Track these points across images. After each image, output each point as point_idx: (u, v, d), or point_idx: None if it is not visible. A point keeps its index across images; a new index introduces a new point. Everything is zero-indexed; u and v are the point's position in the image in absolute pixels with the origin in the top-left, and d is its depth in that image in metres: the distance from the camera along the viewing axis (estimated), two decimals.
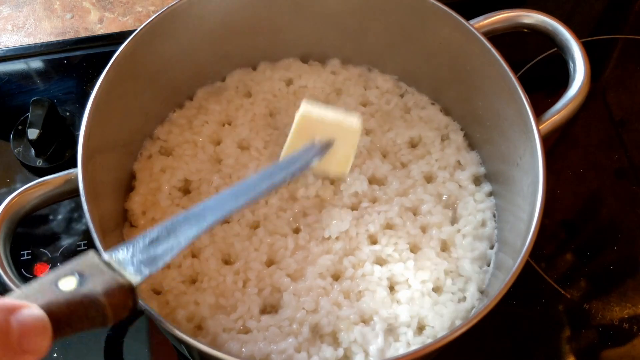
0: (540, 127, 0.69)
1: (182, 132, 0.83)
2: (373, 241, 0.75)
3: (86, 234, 0.84)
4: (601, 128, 0.99)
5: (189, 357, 0.77)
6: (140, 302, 0.57)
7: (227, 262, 0.75)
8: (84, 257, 0.47)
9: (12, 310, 0.39)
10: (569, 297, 0.83)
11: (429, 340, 0.68)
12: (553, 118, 0.73)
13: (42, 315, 0.40)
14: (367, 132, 0.84)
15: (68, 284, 0.43)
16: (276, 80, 0.88)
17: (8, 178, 0.90)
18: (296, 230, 0.76)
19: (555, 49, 0.77)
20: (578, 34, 0.76)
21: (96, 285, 0.44)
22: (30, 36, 1.08)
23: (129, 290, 0.45)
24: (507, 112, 0.74)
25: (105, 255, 0.48)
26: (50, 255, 0.83)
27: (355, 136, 0.71)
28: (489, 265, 0.75)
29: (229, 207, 0.53)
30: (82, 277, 0.44)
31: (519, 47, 1.01)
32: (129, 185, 0.79)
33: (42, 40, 1.07)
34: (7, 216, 0.64)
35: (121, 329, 0.79)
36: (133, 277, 0.46)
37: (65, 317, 0.42)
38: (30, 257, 0.82)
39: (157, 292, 0.72)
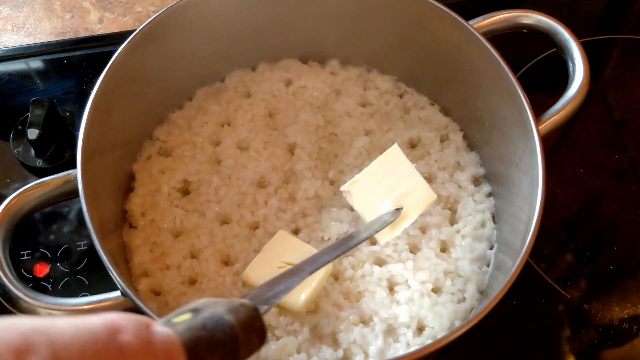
0: (539, 128, 0.69)
1: (181, 133, 0.83)
2: (372, 242, 0.75)
3: (86, 235, 0.84)
4: (601, 128, 0.99)
5: None
6: (140, 303, 0.57)
7: (226, 263, 0.75)
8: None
9: (147, 324, 0.33)
10: (569, 297, 0.83)
11: (429, 341, 0.68)
12: (552, 118, 0.73)
13: (174, 336, 0.34)
14: (366, 132, 0.84)
15: (183, 318, 0.37)
16: (275, 80, 0.88)
17: (8, 178, 0.90)
18: (296, 231, 0.76)
19: (555, 49, 0.77)
20: (577, 34, 0.76)
21: (217, 308, 0.37)
22: (30, 36, 1.08)
23: (255, 310, 0.39)
24: (506, 113, 0.74)
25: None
26: (50, 256, 0.83)
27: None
28: (488, 266, 0.75)
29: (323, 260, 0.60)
30: (196, 311, 0.37)
31: (518, 47, 1.01)
32: (128, 186, 0.79)
33: (42, 40, 1.06)
34: (6, 217, 0.64)
35: None
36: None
37: (192, 342, 0.34)
38: (30, 257, 0.82)
39: (157, 293, 0.72)
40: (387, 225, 0.69)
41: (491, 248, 0.77)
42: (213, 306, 0.37)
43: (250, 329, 0.38)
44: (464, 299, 0.72)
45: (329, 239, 0.75)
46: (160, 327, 0.34)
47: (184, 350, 0.33)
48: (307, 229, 0.76)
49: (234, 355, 0.36)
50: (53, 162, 0.90)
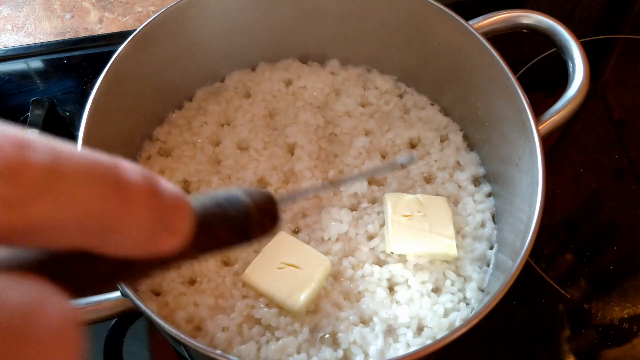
0: (539, 128, 0.69)
1: (181, 133, 0.83)
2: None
3: None
4: (601, 128, 0.99)
5: (188, 358, 0.77)
6: (140, 303, 0.57)
7: (226, 263, 0.75)
8: None
9: (155, 179, 0.30)
10: (568, 297, 0.83)
11: (429, 341, 0.68)
12: (552, 118, 0.73)
13: (183, 193, 0.31)
14: (366, 132, 0.84)
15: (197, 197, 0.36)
16: (275, 80, 0.88)
17: None
18: (296, 231, 0.76)
19: (555, 49, 0.77)
20: (577, 34, 0.76)
21: (233, 191, 0.36)
22: (30, 36, 1.08)
23: (271, 195, 0.38)
24: (506, 113, 0.74)
25: None
26: None
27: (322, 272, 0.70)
28: (488, 266, 0.75)
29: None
30: (212, 196, 0.36)
31: (518, 47, 1.01)
32: None
33: (41, 40, 1.07)
34: None
35: (121, 329, 0.79)
36: None
37: (204, 214, 0.34)
38: None
39: (157, 294, 0.72)
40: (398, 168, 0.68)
41: (491, 248, 0.77)
42: (229, 189, 0.36)
43: (265, 211, 0.37)
44: (464, 299, 0.72)
45: (328, 239, 0.75)
46: (170, 184, 0.31)
47: (193, 213, 0.32)
48: (307, 229, 0.76)
49: (246, 233, 0.36)
50: None
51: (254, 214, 0.36)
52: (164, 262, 0.32)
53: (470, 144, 0.85)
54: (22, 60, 1.02)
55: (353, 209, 0.78)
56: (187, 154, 0.81)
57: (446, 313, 0.71)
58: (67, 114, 0.95)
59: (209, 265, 0.73)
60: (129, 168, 0.28)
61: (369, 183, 0.80)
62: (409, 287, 0.72)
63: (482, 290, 0.73)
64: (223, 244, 0.35)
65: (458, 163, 0.83)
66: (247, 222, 0.35)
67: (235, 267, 0.73)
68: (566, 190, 0.92)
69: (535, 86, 0.98)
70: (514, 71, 0.72)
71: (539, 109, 0.72)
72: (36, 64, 1.02)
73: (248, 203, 0.36)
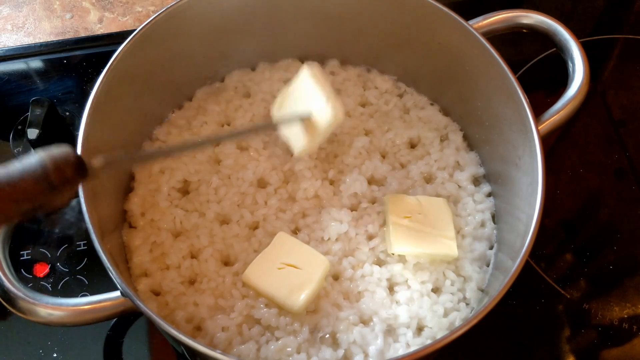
0: (539, 128, 0.69)
1: (181, 133, 0.83)
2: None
3: (86, 235, 0.84)
4: (601, 128, 0.99)
5: (188, 358, 0.77)
6: (140, 303, 0.57)
7: (226, 263, 0.75)
8: None
9: None
10: (568, 297, 0.83)
11: (429, 341, 0.68)
12: (552, 118, 0.73)
13: None
14: (366, 132, 0.84)
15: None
16: (275, 80, 0.88)
17: None
18: (295, 231, 0.76)
19: (555, 49, 0.77)
20: (577, 34, 0.76)
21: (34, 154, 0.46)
22: (30, 36, 1.08)
23: (69, 148, 0.47)
24: (506, 113, 0.74)
25: None
26: (50, 256, 0.83)
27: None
28: (488, 266, 0.75)
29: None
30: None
31: (518, 47, 1.01)
32: (128, 186, 0.79)
33: (41, 40, 1.07)
34: None
35: (121, 329, 0.79)
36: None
37: (4, 171, 0.44)
38: (30, 257, 0.82)
39: (157, 294, 0.72)
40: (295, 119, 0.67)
41: (491, 248, 0.77)
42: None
43: (62, 162, 0.46)
44: (464, 299, 0.72)
45: (328, 238, 0.75)
46: None
47: None
48: (306, 229, 0.76)
49: (47, 180, 0.45)
50: None
51: (48, 164, 0.45)
52: None
53: (470, 144, 0.85)
54: (22, 60, 1.02)
55: (353, 209, 0.78)
56: (187, 153, 0.81)
57: (446, 313, 0.71)
58: (67, 114, 0.95)
59: (208, 266, 0.73)
60: None
61: (369, 183, 0.80)
62: (409, 287, 0.72)
63: (482, 290, 0.73)
64: (33, 195, 0.44)
65: (458, 163, 0.82)
66: (44, 172, 0.45)
67: (235, 267, 0.73)
68: (566, 190, 0.92)
69: (535, 86, 0.98)
70: (514, 71, 0.72)
71: (539, 109, 0.72)
72: (36, 63, 1.02)
73: (43, 157, 0.45)
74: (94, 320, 0.63)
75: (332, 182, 0.80)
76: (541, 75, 1.01)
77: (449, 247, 0.72)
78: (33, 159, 0.45)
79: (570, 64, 0.75)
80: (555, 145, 0.97)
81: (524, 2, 1.14)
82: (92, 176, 0.49)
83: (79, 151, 0.65)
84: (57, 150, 0.46)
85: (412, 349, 0.68)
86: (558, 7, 1.12)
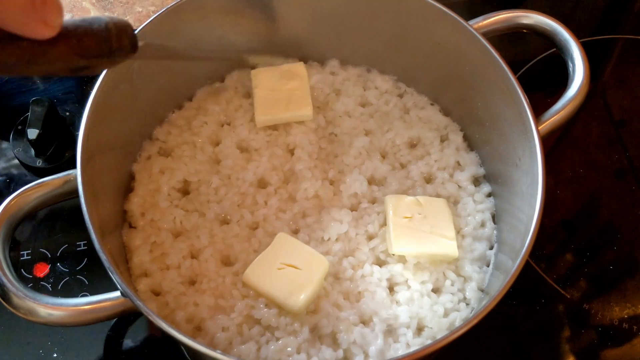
0: (539, 128, 0.69)
1: (181, 133, 0.83)
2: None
3: (86, 235, 0.84)
4: (601, 128, 0.99)
5: (188, 358, 0.77)
6: (140, 303, 0.57)
7: (226, 263, 0.75)
8: None
9: None
10: (568, 297, 0.83)
11: (429, 341, 0.68)
12: (552, 118, 0.73)
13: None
14: (366, 132, 0.84)
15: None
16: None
17: (8, 178, 0.90)
18: (295, 231, 0.76)
19: (555, 49, 0.77)
20: (577, 34, 0.76)
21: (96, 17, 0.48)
22: None
23: (129, 24, 0.49)
24: (506, 113, 0.74)
25: None
26: (50, 256, 0.83)
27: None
28: (488, 266, 0.75)
29: None
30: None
31: (518, 47, 1.01)
32: (128, 186, 0.79)
33: None
34: (6, 217, 0.64)
35: (121, 329, 0.79)
36: None
37: (71, 24, 0.45)
38: (30, 257, 0.82)
39: (157, 293, 0.72)
40: None
41: (491, 248, 0.77)
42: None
43: (122, 31, 0.48)
44: (464, 299, 0.72)
45: (328, 239, 0.75)
46: None
47: (62, 10, 0.43)
48: (306, 229, 0.76)
49: (107, 44, 0.47)
50: (53, 162, 0.90)
51: (112, 29, 0.47)
52: (44, 54, 0.43)
53: (470, 144, 0.85)
54: None
55: (353, 209, 0.78)
56: (187, 154, 0.81)
57: (446, 313, 0.71)
58: (67, 114, 0.95)
59: (209, 266, 0.73)
60: None
61: (369, 183, 0.80)
62: (409, 287, 0.72)
63: (482, 291, 0.73)
64: (90, 53, 0.46)
65: (458, 163, 0.82)
66: (108, 35, 0.46)
67: (235, 267, 0.73)
68: (566, 190, 0.92)
69: (535, 86, 0.98)
70: (514, 71, 0.72)
71: (539, 109, 0.72)
72: None
73: (107, 21, 0.47)
74: (94, 321, 0.63)
75: (332, 182, 0.80)
76: (541, 75, 1.01)
77: (449, 247, 0.72)
78: (100, 21, 0.47)
79: (570, 64, 0.75)
80: (555, 145, 0.97)
81: (523, 2, 1.14)
82: (138, 55, 0.51)
83: (78, 151, 0.65)
84: (120, 20, 0.48)
85: (412, 349, 0.68)
86: (558, 7, 1.12)
